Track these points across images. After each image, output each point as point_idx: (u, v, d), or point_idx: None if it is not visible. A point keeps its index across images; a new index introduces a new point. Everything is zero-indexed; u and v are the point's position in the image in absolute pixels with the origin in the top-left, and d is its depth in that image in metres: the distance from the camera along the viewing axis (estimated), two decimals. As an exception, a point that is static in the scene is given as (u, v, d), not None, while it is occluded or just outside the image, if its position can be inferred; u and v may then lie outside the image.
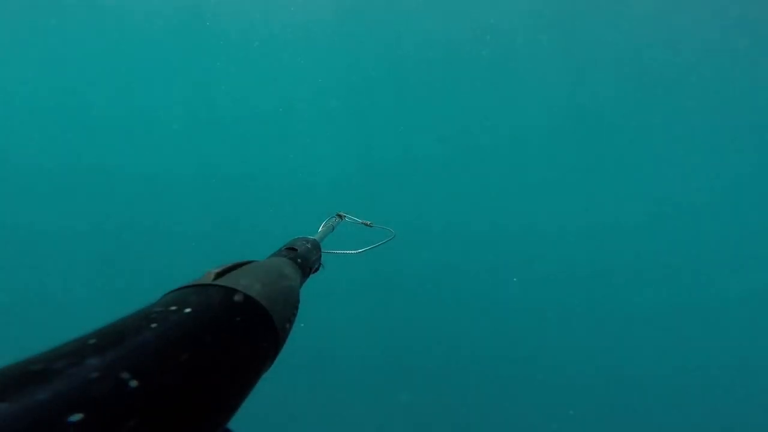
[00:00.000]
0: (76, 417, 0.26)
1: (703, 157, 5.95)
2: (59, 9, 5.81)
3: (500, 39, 6.01)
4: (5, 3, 5.77)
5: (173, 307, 0.42)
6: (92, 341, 0.33)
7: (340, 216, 1.56)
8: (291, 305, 0.62)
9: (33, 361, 0.30)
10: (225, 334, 0.43)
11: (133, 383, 0.30)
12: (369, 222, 1.76)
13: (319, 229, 1.35)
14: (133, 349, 0.34)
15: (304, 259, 0.87)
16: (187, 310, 0.42)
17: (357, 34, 6.11)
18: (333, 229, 1.41)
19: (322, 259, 1.15)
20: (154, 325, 0.38)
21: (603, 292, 5.99)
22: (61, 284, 5.90)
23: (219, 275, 0.53)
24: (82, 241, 5.89)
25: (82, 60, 6.03)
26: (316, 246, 1.01)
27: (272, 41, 6.15)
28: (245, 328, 0.47)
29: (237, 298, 0.49)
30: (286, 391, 4.91)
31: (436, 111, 6.23)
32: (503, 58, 6.13)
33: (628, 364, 5.67)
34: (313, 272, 0.96)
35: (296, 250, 0.88)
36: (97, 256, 5.94)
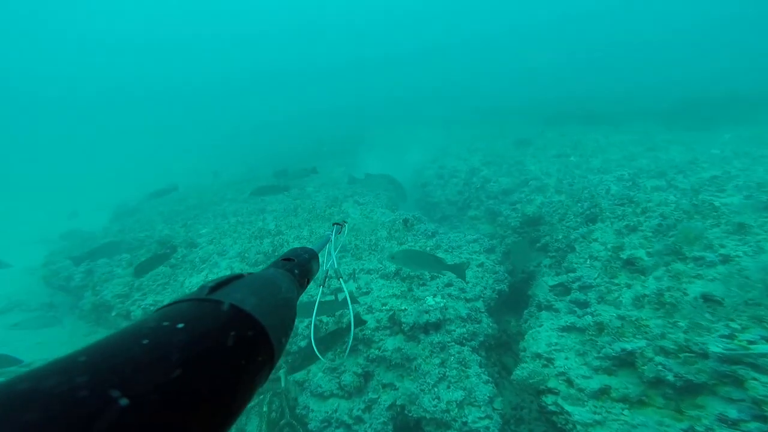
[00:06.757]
0: None
1: None
2: None
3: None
4: None
5: (166, 323, 0.41)
6: (82, 359, 0.32)
7: (338, 224, 1.61)
8: (287, 317, 0.61)
9: (20, 380, 0.29)
10: (219, 348, 0.42)
11: (123, 401, 0.29)
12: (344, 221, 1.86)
13: (317, 240, 1.36)
14: (123, 366, 0.33)
15: (301, 270, 0.87)
16: (180, 325, 0.41)
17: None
18: (329, 239, 1.45)
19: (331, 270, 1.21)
20: (145, 341, 0.37)
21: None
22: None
23: (213, 289, 0.53)
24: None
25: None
26: (314, 256, 1.01)
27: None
28: (240, 343, 0.46)
29: (231, 312, 0.49)
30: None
31: None
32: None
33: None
34: (308, 283, 0.95)
35: (293, 260, 0.88)
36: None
